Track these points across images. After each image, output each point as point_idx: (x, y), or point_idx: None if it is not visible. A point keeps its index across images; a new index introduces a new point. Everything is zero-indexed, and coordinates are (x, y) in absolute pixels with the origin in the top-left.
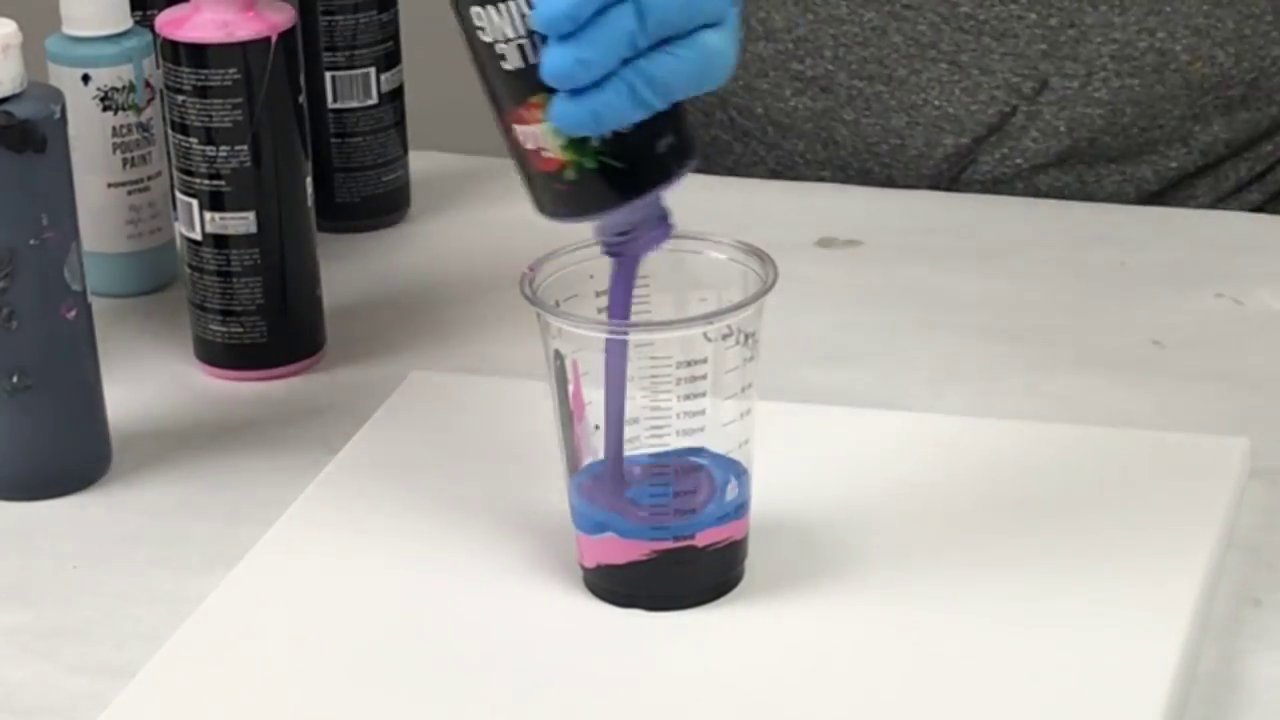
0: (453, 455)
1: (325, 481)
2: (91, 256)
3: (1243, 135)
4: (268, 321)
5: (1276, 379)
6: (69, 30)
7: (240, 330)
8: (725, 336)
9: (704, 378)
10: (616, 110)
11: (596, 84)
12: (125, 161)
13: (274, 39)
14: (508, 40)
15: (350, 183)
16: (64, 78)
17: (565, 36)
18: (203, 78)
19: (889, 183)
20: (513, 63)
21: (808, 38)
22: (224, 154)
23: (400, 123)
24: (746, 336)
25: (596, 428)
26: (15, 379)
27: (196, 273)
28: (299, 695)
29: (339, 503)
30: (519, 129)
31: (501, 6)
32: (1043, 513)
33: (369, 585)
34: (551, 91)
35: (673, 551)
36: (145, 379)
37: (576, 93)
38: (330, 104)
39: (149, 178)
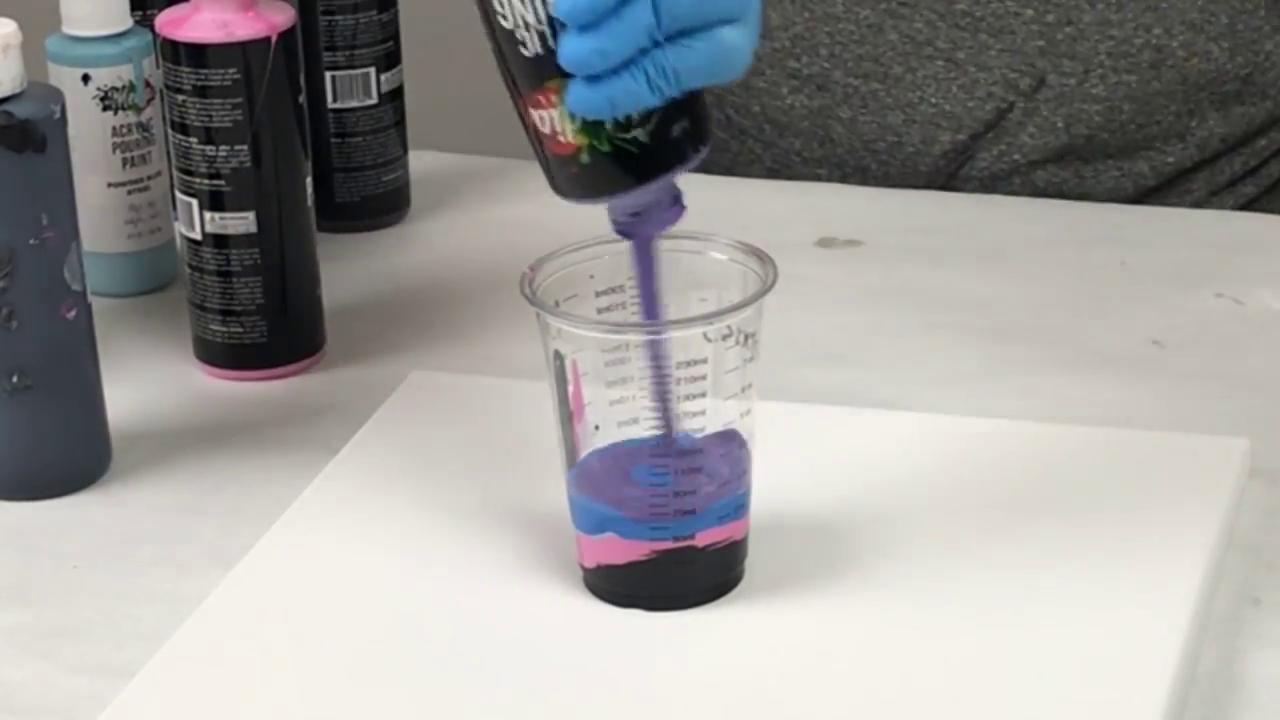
0: (453, 455)
1: (325, 481)
2: (91, 256)
3: (1238, 130)
4: (268, 321)
5: (1276, 379)
6: (69, 30)
7: (240, 330)
8: (725, 337)
9: (704, 378)
10: (631, 96)
11: (613, 71)
12: (125, 161)
13: (274, 39)
14: (528, 26)
15: (350, 183)
16: (64, 78)
17: (585, 26)
18: (203, 78)
19: (886, 180)
20: (532, 49)
21: (804, 35)
22: (224, 154)
23: (400, 123)
24: (746, 337)
25: (596, 428)
26: (15, 379)
27: (196, 273)
28: (299, 695)
29: (339, 503)
30: (535, 113)
31: None
32: (1043, 513)
33: (369, 585)
34: (568, 77)
35: (673, 551)
36: (145, 379)
37: (593, 79)
38: (330, 104)
39: (149, 178)
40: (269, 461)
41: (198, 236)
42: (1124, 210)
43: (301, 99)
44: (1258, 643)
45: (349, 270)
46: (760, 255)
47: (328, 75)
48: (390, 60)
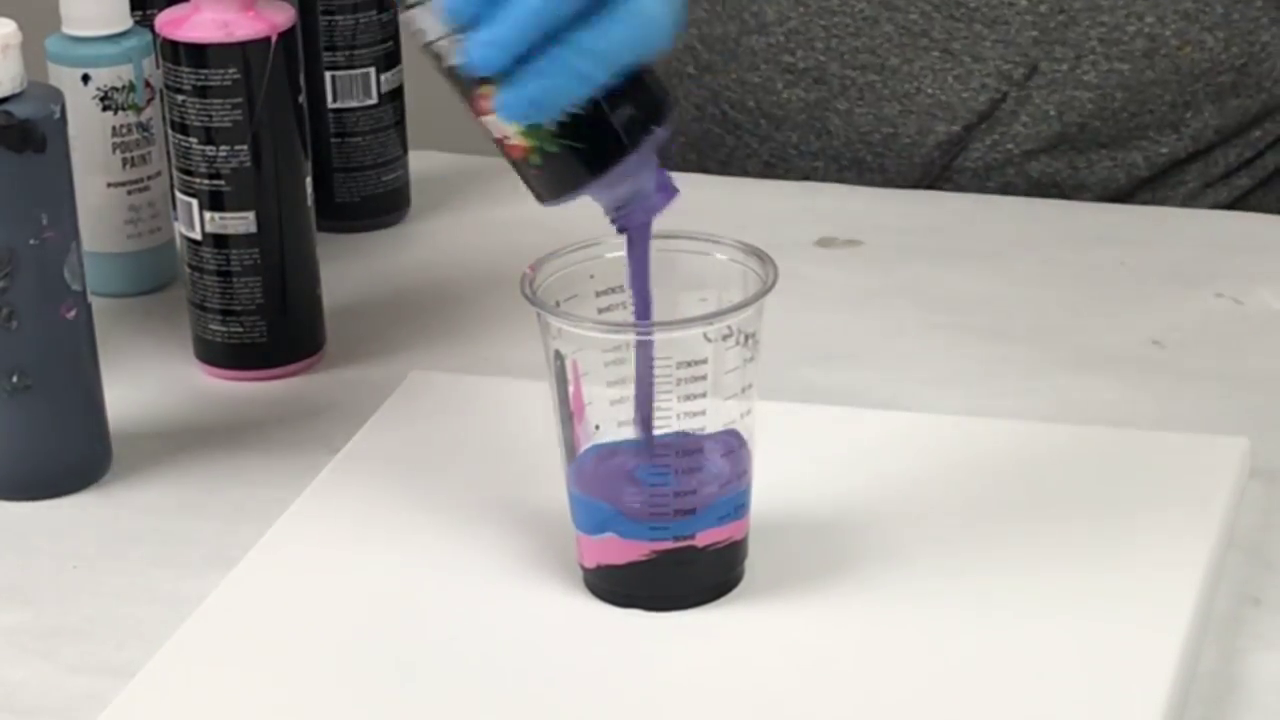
0: (453, 455)
1: (325, 481)
2: (91, 256)
3: (1233, 121)
4: (268, 321)
5: (1276, 379)
6: (69, 30)
7: (240, 330)
8: (725, 337)
9: (704, 378)
10: (557, 91)
11: (537, 69)
12: (125, 161)
13: (274, 39)
14: (441, 38)
15: (350, 183)
16: (64, 78)
17: (471, 22)
18: (203, 78)
19: (882, 172)
20: (450, 59)
21: (799, 30)
22: (224, 154)
23: (400, 123)
24: (746, 337)
25: (596, 428)
26: (15, 379)
27: (196, 272)
28: (299, 695)
29: (339, 503)
30: (483, 120)
31: (429, 5)
32: (1042, 513)
33: (369, 585)
34: (495, 82)
35: (673, 552)
36: (145, 379)
37: (512, 79)
38: (330, 104)
39: (149, 178)
40: (269, 461)
41: (198, 236)
42: (1124, 210)
43: (301, 99)
44: (1258, 643)
45: (349, 270)
46: (760, 255)
47: (328, 75)
48: (390, 60)
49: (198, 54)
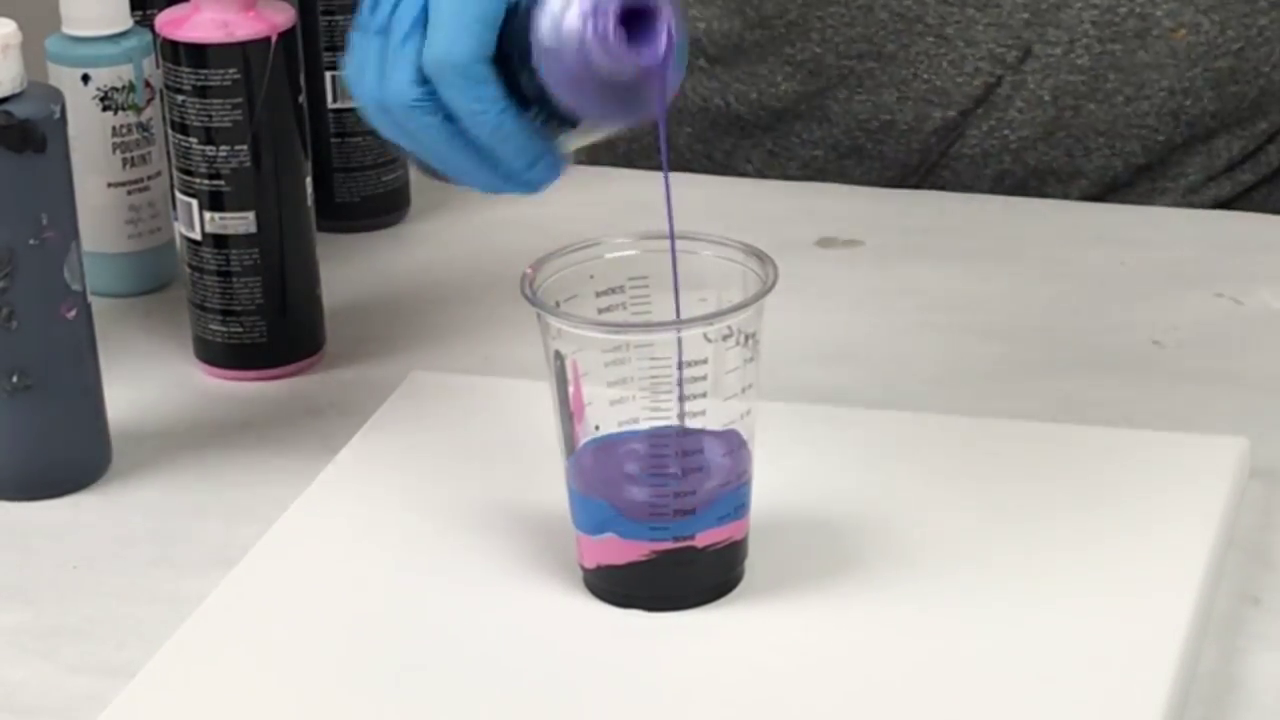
0: (453, 455)
1: (325, 481)
2: (91, 256)
3: (1230, 107)
4: (268, 321)
5: (1276, 379)
6: (69, 30)
7: (240, 330)
8: (725, 337)
9: (704, 378)
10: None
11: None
12: (125, 161)
13: (274, 39)
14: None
15: (350, 183)
16: (64, 78)
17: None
18: (203, 78)
19: (880, 158)
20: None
21: (797, 22)
22: (224, 154)
23: None
24: (747, 337)
25: (596, 428)
26: (15, 379)
27: (196, 272)
28: (299, 695)
29: (339, 503)
30: None
31: None
32: (1042, 512)
33: (369, 585)
34: None
35: (673, 552)
36: (145, 379)
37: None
38: (330, 104)
39: (149, 178)
40: (269, 461)
41: (198, 236)
42: (1124, 210)
43: (301, 99)
44: (1258, 643)
45: (349, 270)
46: (760, 255)
47: (328, 75)
48: None
49: (198, 54)
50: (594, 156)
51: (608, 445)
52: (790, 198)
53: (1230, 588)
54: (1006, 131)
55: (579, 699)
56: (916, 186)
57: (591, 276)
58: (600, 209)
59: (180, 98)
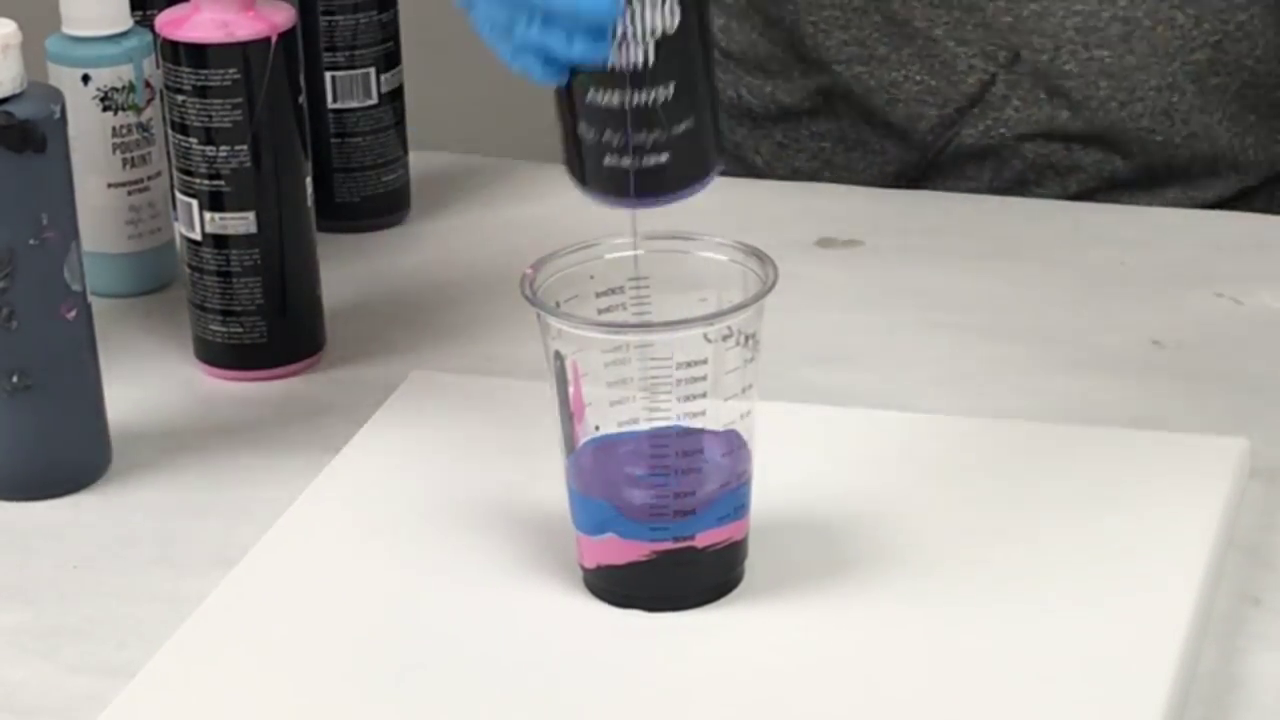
0: (453, 455)
1: (325, 481)
2: (91, 256)
3: (1215, 101)
4: (268, 321)
5: (1276, 379)
6: (69, 30)
7: (240, 330)
8: (725, 337)
9: (704, 378)
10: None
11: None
12: (125, 161)
13: (274, 39)
14: None
15: (350, 183)
16: (64, 78)
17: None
18: (203, 78)
19: (882, 153)
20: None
21: (791, 28)
22: (224, 154)
23: (400, 123)
24: (747, 337)
25: (597, 428)
26: (15, 379)
27: (196, 273)
28: (299, 695)
29: (339, 503)
30: None
31: None
32: (1042, 512)
33: (369, 585)
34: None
35: (673, 552)
36: (145, 379)
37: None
38: (330, 104)
39: (149, 178)
40: (269, 461)
41: (198, 237)
42: (1124, 210)
43: (301, 99)
44: (1258, 643)
45: (349, 270)
46: (760, 255)
47: (328, 75)
48: (390, 60)
49: (198, 54)
50: None
51: (608, 445)
52: (790, 198)
53: (1230, 588)
54: (1004, 130)
55: (579, 699)
56: (917, 180)
57: (591, 277)
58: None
59: (180, 98)
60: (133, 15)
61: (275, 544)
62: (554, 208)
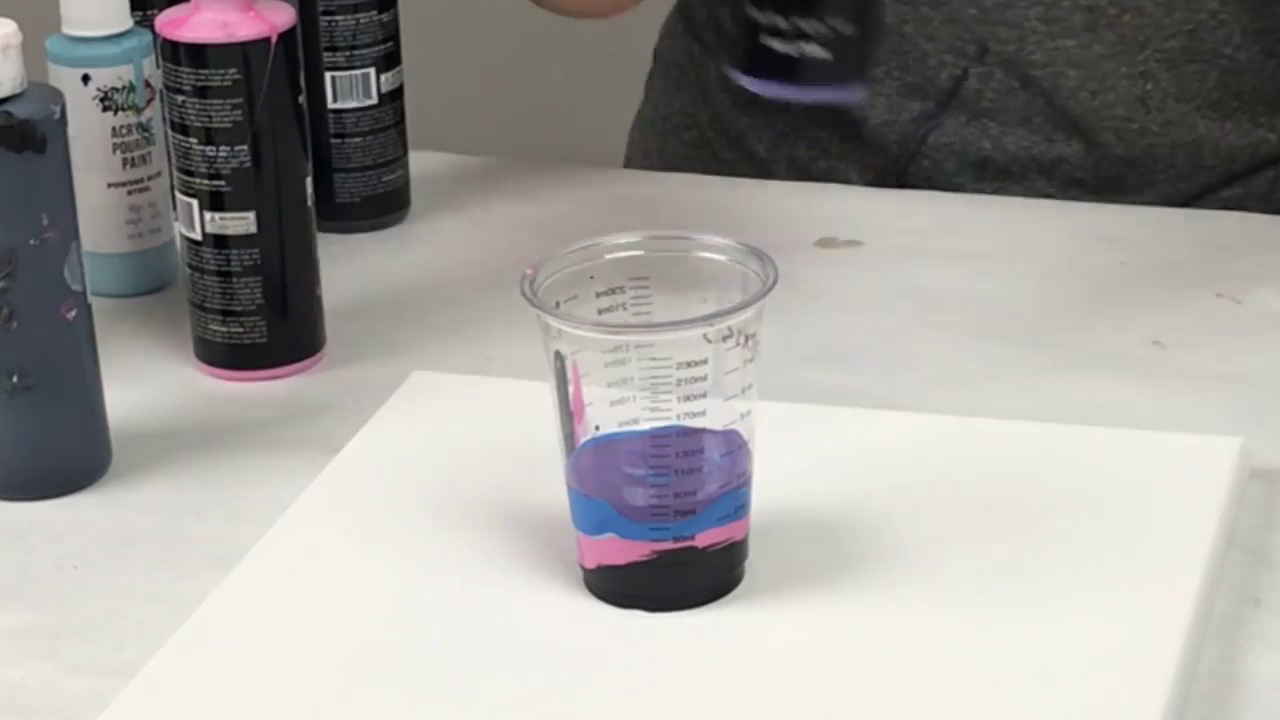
0: (453, 455)
1: (325, 481)
2: (91, 256)
3: (1192, 89)
4: (268, 321)
5: (1276, 379)
6: (69, 30)
7: (240, 330)
8: (725, 338)
9: (704, 379)
10: None
11: None
12: (125, 161)
13: (274, 39)
14: None
15: (350, 183)
16: (64, 78)
17: None
18: (203, 78)
19: (872, 147)
20: None
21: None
22: (224, 154)
23: (400, 123)
24: (747, 338)
25: (597, 428)
26: (15, 379)
27: (196, 273)
28: (299, 695)
29: (339, 503)
30: None
31: None
32: (1042, 513)
33: (369, 585)
34: None
35: (673, 552)
36: (145, 379)
37: None
38: (330, 104)
39: (149, 178)
40: (269, 461)
41: (198, 236)
42: (1123, 210)
43: (301, 99)
44: (1258, 643)
45: (349, 270)
46: (760, 255)
47: (328, 75)
48: (390, 60)
49: (198, 54)
50: (594, 157)
51: (608, 445)
52: (790, 198)
53: (1230, 588)
54: (986, 120)
55: (579, 699)
56: (900, 175)
57: (591, 277)
58: (600, 209)
59: (180, 98)
60: (133, 15)
61: (275, 544)
62: (554, 208)
